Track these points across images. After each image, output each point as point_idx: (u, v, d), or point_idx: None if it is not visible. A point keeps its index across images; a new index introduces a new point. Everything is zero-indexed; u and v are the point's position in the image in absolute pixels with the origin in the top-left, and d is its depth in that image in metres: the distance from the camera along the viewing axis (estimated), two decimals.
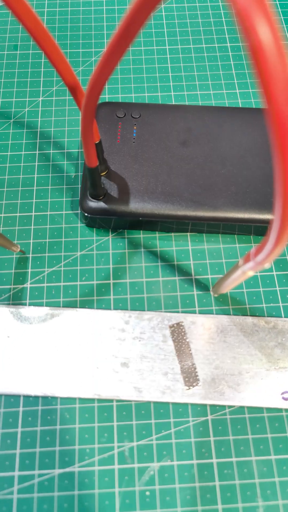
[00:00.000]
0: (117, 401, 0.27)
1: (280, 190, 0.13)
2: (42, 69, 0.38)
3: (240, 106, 0.37)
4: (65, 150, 0.34)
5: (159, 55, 0.39)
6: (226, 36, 0.40)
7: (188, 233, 0.31)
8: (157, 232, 0.31)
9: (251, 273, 0.21)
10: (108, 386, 0.26)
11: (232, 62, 0.39)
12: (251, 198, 0.30)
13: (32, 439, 0.25)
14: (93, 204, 0.29)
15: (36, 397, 0.26)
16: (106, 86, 0.37)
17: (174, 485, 0.25)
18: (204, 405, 0.27)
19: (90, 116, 0.21)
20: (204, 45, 0.40)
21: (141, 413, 0.26)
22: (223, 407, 0.27)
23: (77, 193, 0.33)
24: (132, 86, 0.38)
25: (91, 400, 0.26)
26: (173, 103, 0.36)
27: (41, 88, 0.37)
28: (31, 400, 0.26)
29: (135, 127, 0.32)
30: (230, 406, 0.27)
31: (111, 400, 0.26)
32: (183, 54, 0.39)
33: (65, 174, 0.33)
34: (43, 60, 0.38)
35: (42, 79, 0.37)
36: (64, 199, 0.32)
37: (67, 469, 0.25)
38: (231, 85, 0.38)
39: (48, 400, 0.26)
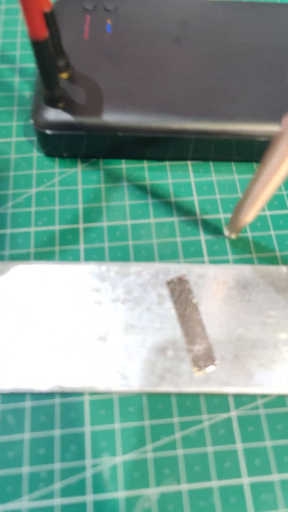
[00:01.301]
0: (91, 394, 0.17)
1: None
2: None
3: None
4: (17, 65, 0.25)
5: None
6: None
7: (189, 162, 0.23)
8: (145, 160, 0.22)
9: None
10: (76, 373, 0.17)
11: None
12: (276, 105, 0.21)
13: None
14: (50, 114, 0.20)
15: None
16: None
17: None
18: (225, 395, 0.17)
19: None
20: None
21: (128, 411, 0.17)
22: (253, 396, 0.17)
23: None
24: None
25: (50, 395, 0.17)
26: None
27: None
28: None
29: (109, 21, 0.23)
30: (264, 395, 0.17)
31: (81, 394, 0.17)
32: None
33: (16, 93, 0.24)
34: None
35: None
36: (15, 123, 0.23)
37: (10, 505, 0.15)
38: None
39: None
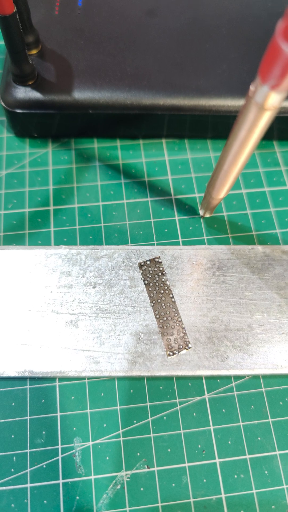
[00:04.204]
0: (61, 379, 0.17)
1: None
2: None
3: None
4: None
5: None
6: None
7: (163, 140, 0.22)
8: (118, 139, 0.22)
9: (274, 101, 0.11)
10: (47, 357, 0.17)
11: None
12: (251, 79, 0.21)
13: None
14: (19, 92, 0.20)
15: None
16: None
17: (157, 504, 0.15)
18: (199, 378, 0.17)
19: None
20: None
21: (100, 396, 0.17)
22: (227, 379, 0.17)
23: None
24: None
25: (21, 380, 0.17)
26: None
27: None
28: None
29: None
30: (237, 377, 0.17)
31: (52, 379, 0.17)
32: None
33: None
34: None
35: None
36: None
37: None
38: None
39: None
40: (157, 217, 0.20)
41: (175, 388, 0.17)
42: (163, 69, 0.21)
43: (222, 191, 0.17)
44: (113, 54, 0.21)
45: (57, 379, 0.17)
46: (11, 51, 0.18)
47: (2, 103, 0.20)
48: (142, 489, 0.15)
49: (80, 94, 0.20)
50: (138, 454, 0.16)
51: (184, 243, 0.20)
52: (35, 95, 0.20)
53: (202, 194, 0.21)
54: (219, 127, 0.21)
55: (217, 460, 0.16)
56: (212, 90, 0.20)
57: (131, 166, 0.21)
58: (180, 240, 0.20)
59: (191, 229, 0.20)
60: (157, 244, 0.19)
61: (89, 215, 0.20)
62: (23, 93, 0.20)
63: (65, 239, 0.19)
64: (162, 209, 0.20)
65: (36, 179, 0.21)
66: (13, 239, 0.19)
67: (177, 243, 0.20)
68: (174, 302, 0.18)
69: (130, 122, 0.21)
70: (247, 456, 0.16)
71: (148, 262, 0.19)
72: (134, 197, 0.20)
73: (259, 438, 0.16)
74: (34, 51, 0.21)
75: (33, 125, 0.21)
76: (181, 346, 0.17)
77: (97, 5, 0.22)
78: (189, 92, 0.20)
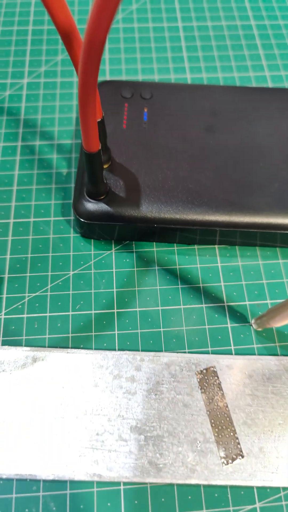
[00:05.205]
0: (126, 483, 0.18)
1: None
2: (29, 47, 0.31)
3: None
4: (55, 142, 0.27)
5: (172, 33, 0.32)
6: (249, 13, 0.34)
7: (216, 246, 0.24)
8: (175, 244, 0.24)
9: None
10: (113, 462, 0.18)
11: (258, 42, 0.32)
12: None
13: None
14: (91, 206, 0.22)
15: (9, 480, 0.18)
16: (107, 67, 0.30)
17: None
18: (250, 488, 0.19)
19: (91, 73, 0.14)
20: (223, 23, 0.33)
21: (161, 501, 0.18)
22: (276, 489, 0.19)
23: (70, 195, 0.25)
24: (139, 67, 0.30)
25: (89, 484, 0.18)
26: (193, 83, 0.29)
27: (26, 69, 0.30)
28: (0, 483, 0.18)
29: (145, 109, 0.25)
30: (286, 488, 0.19)
31: (117, 483, 0.18)
32: (199, 32, 0.32)
33: (54, 170, 0.26)
34: (29, 37, 0.31)
35: (28, 58, 0.30)
36: (53, 202, 0.25)
37: None
38: (258, 64, 0.31)
39: (26, 484, 0.18)
40: (211, 323, 0.22)
41: (229, 496, 0.18)
42: (221, 187, 0.23)
43: (281, 324, 0.19)
44: (174, 170, 0.23)
45: (121, 484, 0.18)
46: (90, 176, 0.20)
47: (75, 212, 0.22)
48: None
49: (146, 209, 0.22)
50: None
51: (236, 351, 0.21)
52: (105, 208, 0.22)
53: (252, 302, 0.23)
54: (266, 239, 0.23)
55: None
56: (265, 209, 0.22)
57: (187, 271, 0.23)
58: (233, 347, 0.21)
59: (242, 337, 0.22)
60: (212, 351, 0.21)
61: (150, 319, 0.22)
62: (95, 206, 0.22)
63: (128, 343, 0.21)
64: (216, 316, 0.22)
65: (100, 281, 0.23)
66: (80, 340, 0.21)
67: (230, 351, 0.21)
68: (228, 411, 0.20)
69: (188, 233, 0.23)
70: None
71: (204, 371, 0.20)
72: (190, 303, 0.22)
73: None
74: (105, 166, 0.23)
75: (99, 231, 0.23)
76: (234, 456, 0.19)
77: (160, 121, 0.24)
78: (244, 211, 0.22)
